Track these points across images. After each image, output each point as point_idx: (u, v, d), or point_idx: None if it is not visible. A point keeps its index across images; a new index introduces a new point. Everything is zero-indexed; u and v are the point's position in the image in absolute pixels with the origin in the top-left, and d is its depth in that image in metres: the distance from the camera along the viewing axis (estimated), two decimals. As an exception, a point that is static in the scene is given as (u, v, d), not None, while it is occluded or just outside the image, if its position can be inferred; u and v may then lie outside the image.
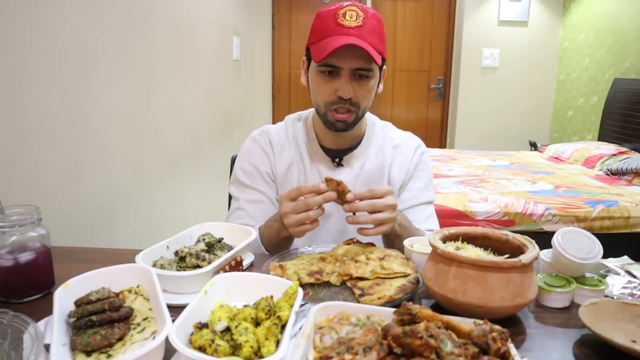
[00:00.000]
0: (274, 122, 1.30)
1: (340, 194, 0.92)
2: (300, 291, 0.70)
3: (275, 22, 4.37)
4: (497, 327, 0.59)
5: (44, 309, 0.75)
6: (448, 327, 0.60)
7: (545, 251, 0.90)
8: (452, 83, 4.50)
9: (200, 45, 2.45)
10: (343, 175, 1.16)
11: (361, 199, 0.91)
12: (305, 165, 1.18)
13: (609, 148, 3.07)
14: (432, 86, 4.54)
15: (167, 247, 0.90)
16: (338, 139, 1.17)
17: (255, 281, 0.75)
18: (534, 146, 3.97)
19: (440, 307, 0.76)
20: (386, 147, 1.20)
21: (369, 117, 1.24)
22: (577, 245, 0.83)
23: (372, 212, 0.92)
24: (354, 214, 0.94)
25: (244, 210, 1.16)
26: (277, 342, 0.60)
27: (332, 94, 1.06)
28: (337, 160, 1.18)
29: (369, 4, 4.36)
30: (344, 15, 1.01)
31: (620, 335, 0.67)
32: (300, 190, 0.94)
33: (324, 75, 1.06)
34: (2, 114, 1.08)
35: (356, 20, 1.01)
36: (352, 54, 1.01)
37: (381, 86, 1.15)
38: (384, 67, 1.13)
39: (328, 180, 0.93)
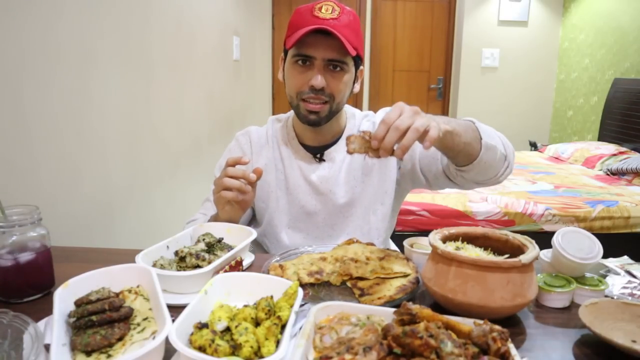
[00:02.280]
0: (273, 122, 1.30)
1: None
2: (300, 291, 0.70)
3: (275, 22, 4.37)
4: (497, 327, 0.59)
5: (44, 309, 0.75)
6: (448, 327, 0.60)
7: (545, 251, 0.90)
8: (452, 83, 4.51)
9: (200, 45, 2.45)
10: (325, 170, 1.16)
11: (382, 139, 0.78)
12: (285, 164, 1.18)
13: (609, 148, 3.07)
14: (432, 86, 4.54)
15: (167, 247, 0.90)
16: (318, 135, 1.17)
17: (255, 281, 0.75)
18: (534, 146, 3.97)
19: (440, 307, 0.76)
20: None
21: (349, 110, 1.23)
22: (577, 245, 0.83)
23: (405, 130, 0.78)
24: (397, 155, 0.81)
25: (211, 202, 1.18)
26: (277, 342, 0.60)
27: (304, 84, 1.06)
28: (318, 156, 1.17)
29: (369, 4, 4.36)
30: (320, 8, 1.04)
31: (620, 335, 0.67)
32: (227, 161, 1.01)
33: (298, 65, 1.07)
34: (2, 114, 1.08)
35: (332, 13, 1.03)
36: (325, 44, 1.03)
37: (357, 86, 1.14)
38: (361, 67, 1.13)
39: (351, 137, 0.82)
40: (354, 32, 1.04)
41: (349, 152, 0.83)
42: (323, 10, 1.03)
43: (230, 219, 1.04)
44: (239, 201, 1.01)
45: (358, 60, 1.10)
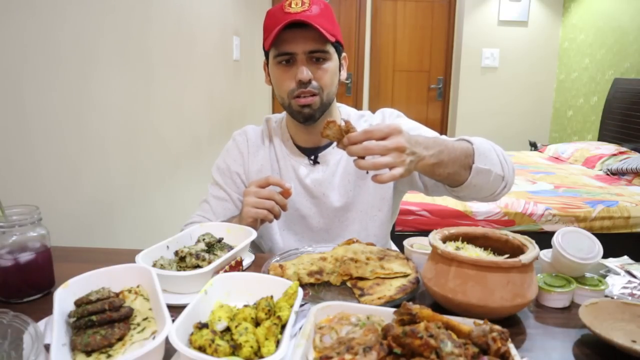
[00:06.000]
0: (273, 122, 1.30)
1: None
2: (300, 291, 0.70)
3: (275, 22, 4.37)
4: (497, 327, 0.59)
5: (44, 309, 0.75)
6: (448, 327, 0.60)
7: (545, 251, 0.90)
8: (452, 83, 4.50)
9: (200, 45, 2.45)
10: (319, 173, 1.15)
11: (355, 143, 0.79)
12: (280, 165, 1.18)
13: (609, 148, 3.07)
14: (432, 86, 4.54)
15: (167, 247, 0.90)
16: (312, 136, 1.16)
17: (255, 281, 0.75)
18: (534, 146, 3.97)
19: (440, 307, 0.76)
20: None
21: (344, 110, 1.23)
22: (577, 245, 0.83)
23: (373, 154, 0.79)
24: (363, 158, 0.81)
25: (209, 204, 1.20)
26: (277, 342, 0.60)
27: (292, 81, 1.06)
28: (312, 158, 1.17)
29: (369, 4, 4.36)
30: (290, 4, 1.04)
31: (620, 335, 0.67)
32: (268, 179, 1.04)
33: (282, 65, 1.07)
34: (2, 114, 1.08)
35: (302, 6, 1.03)
36: (302, 37, 1.03)
37: (344, 73, 1.15)
38: (344, 53, 1.14)
39: (330, 122, 0.81)
40: (327, 20, 1.05)
41: (322, 135, 0.83)
42: (293, 5, 1.03)
43: (249, 224, 1.04)
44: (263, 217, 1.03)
45: (339, 47, 1.11)
